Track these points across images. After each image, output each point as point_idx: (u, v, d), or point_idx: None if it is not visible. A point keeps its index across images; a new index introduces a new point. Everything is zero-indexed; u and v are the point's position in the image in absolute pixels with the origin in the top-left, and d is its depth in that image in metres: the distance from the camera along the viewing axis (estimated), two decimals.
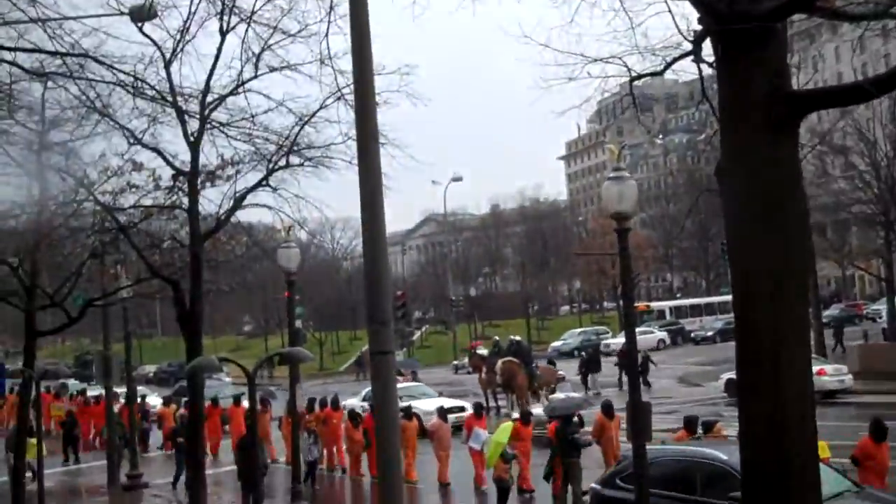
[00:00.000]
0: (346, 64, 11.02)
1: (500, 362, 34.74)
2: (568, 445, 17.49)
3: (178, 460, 22.89)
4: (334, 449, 24.53)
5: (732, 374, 32.41)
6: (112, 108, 14.98)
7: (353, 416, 23.07)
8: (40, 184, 16.75)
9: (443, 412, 22.33)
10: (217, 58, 14.94)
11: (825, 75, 44.56)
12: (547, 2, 8.17)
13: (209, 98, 15.29)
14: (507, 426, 18.57)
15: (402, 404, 25.10)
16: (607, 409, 19.30)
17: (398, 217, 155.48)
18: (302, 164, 16.30)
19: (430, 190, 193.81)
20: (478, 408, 22.26)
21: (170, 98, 14.93)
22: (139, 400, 33.74)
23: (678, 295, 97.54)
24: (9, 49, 11.86)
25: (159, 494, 23.85)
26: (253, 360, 16.39)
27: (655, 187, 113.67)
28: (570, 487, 17.41)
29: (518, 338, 40.28)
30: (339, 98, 13.93)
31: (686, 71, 11.33)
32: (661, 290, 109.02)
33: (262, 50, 15.06)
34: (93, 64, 13.21)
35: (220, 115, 15.70)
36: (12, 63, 12.35)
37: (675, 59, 8.51)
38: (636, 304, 47.19)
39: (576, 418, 18.74)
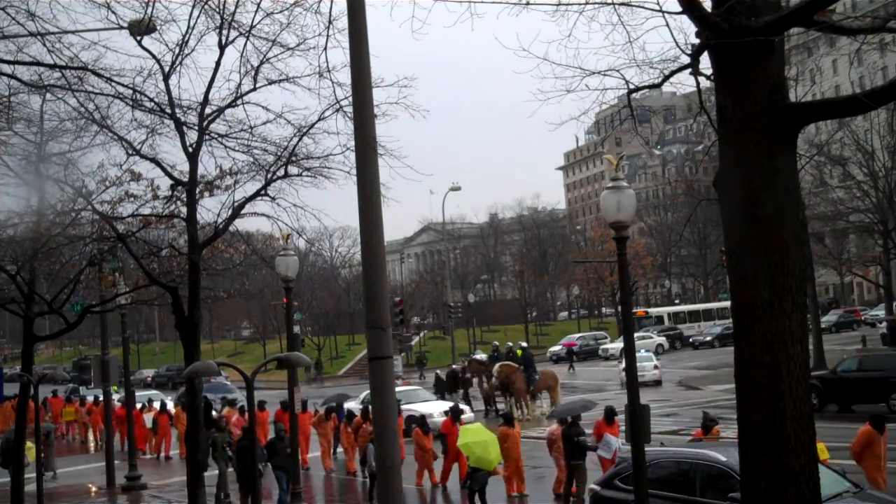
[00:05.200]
0: (345, 76, 11.05)
1: (497, 365, 35.22)
2: (573, 448, 17.51)
3: (277, 477, 19.88)
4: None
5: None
6: (111, 120, 15.01)
7: (422, 422, 21.54)
8: (39, 193, 16.77)
9: (563, 418, 19.48)
10: (216, 71, 14.94)
11: (823, 87, 44.68)
12: (545, 16, 8.18)
13: (208, 110, 15.29)
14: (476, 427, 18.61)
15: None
16: (877, 421, 15.68)
17: (396, 226, 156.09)
18: (300, 175, 16.26)
19: (429, 199, 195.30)
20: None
21: (168, 110, 14.92)
22: (145, 405, 34.02)
23: (676, 301, 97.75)
24: (8, 62, 11.89)
25: (158, 495, 23.87)
26: (251, 364, 16.40)
27: (654, 197, 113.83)
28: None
29: (524, 344, 40.66)
30: (337, 110, 13.90)
31: (684, 83, 11.42)
32: (659, 296, 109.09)
33: (261, 63, 15.05)
34: (92, 76, 13.28)
35: (218, 126, 15.69)
36: (11, 76, 12.38)
37: (673, 72, 8.52)
38: (634, 310, 47.64)
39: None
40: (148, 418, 32.36)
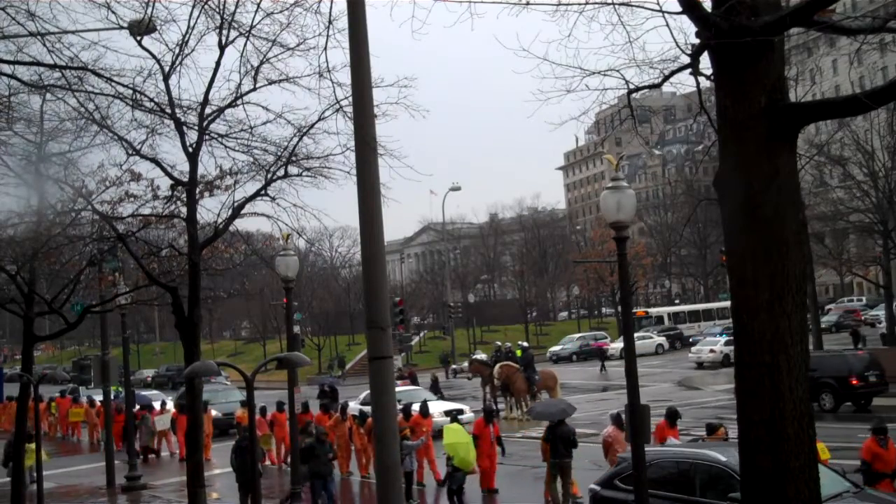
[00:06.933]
0: (345, 76, 11.05)
1: (497, 366, 35.31)
2: (562, 445, 17.54)
3: (313, 487, 18.84)
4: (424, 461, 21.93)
5: None
6: (111, 120, 14.98)
7: (454, 422, 20.75)
8: (39, 193, 16.76)
9: (618, 419, 17.30)
10: (216, 71, 14.92)
11: (823, 87, 44.75)
12: (545, 16, 8.19)
13: (208, 110, 15.26)
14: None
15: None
16: None
17: (396, 226, 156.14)
18: (300, 175, 16.25)
19: (429, 199, 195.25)
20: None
21: (168, 110, 14.90)
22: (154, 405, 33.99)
23: (676, 301, 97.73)
24: (8, 62, 11.89)
25: (158, 496, 23.87)
26: (251, 364, 16.38)
27: (654, 197, 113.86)
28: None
29: (525, 344, 40.68)
30: (337, 110, 13.88)
31: (684, 83, 11.40)
32: (659, 296, 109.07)
33: (261, 63, 15.02)
34: (92, 77, 13.27)
35: (218, 126, 15.67)
36: (11, 76, 12.39)
37: (673, 73, 8.53)
38: (634, 310, 47.78)
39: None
40: (163, 420, 32.07)
